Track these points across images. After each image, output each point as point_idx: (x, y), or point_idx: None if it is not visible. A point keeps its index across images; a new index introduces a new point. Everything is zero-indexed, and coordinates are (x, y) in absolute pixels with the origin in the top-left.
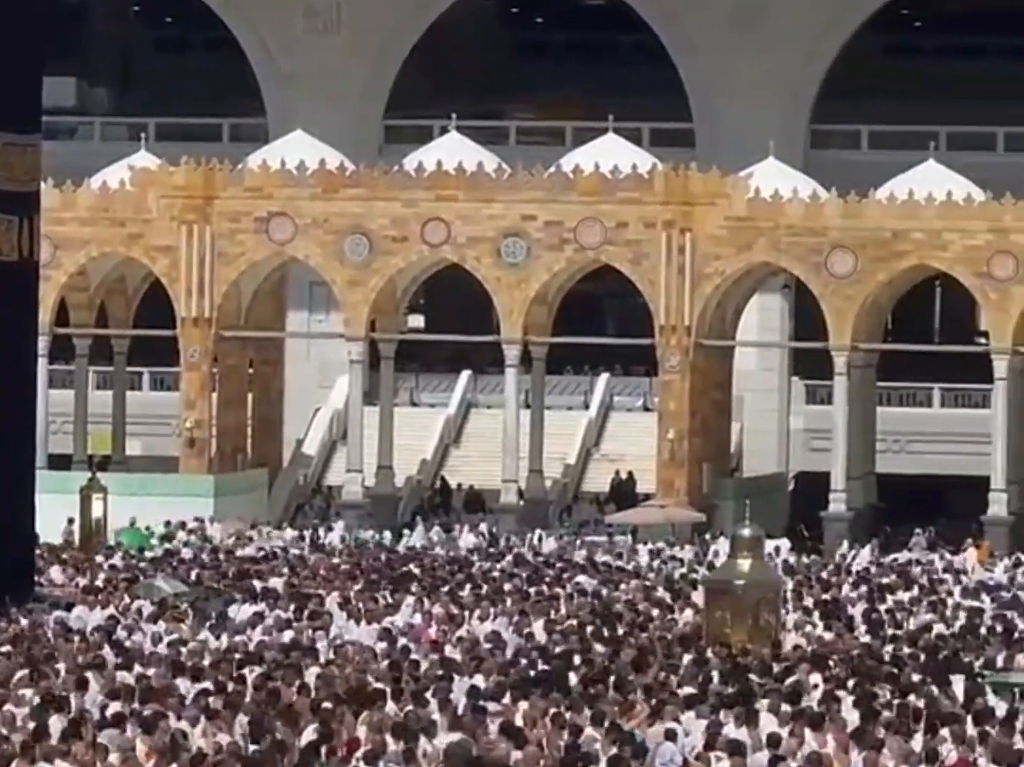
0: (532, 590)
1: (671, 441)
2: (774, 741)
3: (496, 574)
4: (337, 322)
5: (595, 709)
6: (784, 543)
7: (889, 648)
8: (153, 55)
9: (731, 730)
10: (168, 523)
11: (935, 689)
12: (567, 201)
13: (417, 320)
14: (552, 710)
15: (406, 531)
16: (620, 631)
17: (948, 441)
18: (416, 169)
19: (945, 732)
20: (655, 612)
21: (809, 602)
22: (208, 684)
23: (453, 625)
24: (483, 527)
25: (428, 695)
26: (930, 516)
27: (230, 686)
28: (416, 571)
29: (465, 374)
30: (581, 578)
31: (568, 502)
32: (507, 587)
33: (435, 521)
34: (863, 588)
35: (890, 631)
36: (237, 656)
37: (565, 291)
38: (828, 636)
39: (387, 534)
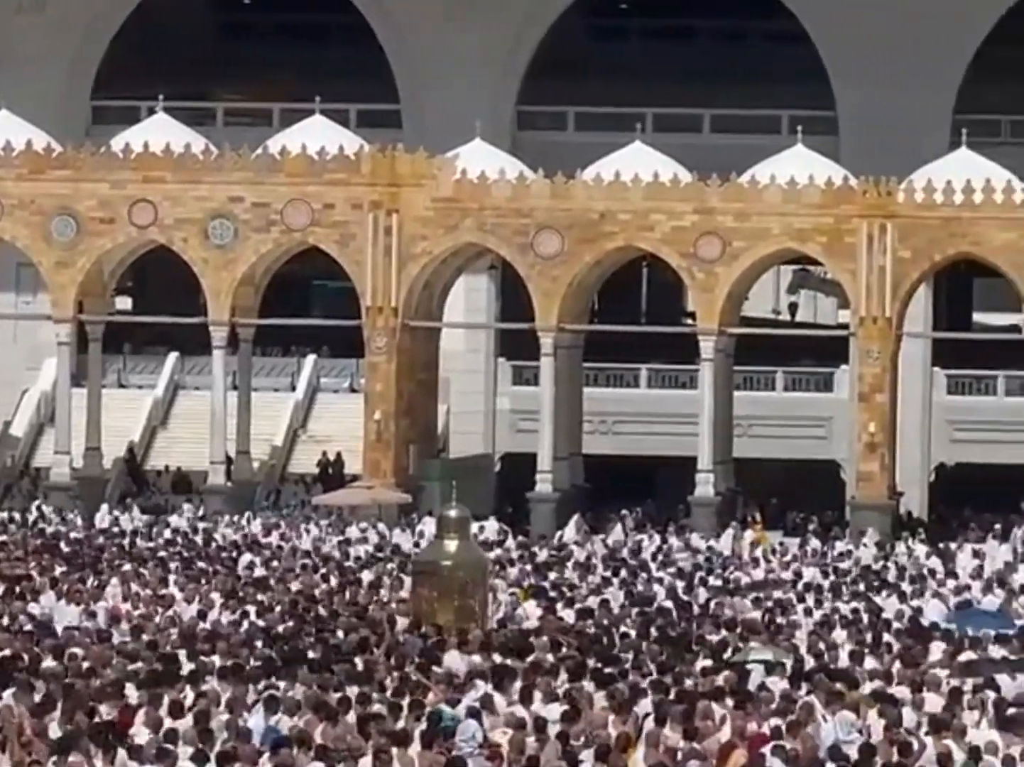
0: (242, 571)
1: (378, 422)
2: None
3: (204, 555)
4: (44, 303)
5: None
6: (491, 523)
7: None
8: None
9: (503, 706)
10: None
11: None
12: (274, 183)
13: (125, 302)
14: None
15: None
16: (341, 611)
17: (655, 422)
18: (123, 150)
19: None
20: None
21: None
22: None
23: (163, 605)
24: (187, 509)
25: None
26: (638, 496)
27: None
28: (123, 551)
29: (173, 356)
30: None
31: (275, 484)
32: (217, 568)
33: (141, 502)
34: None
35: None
36: None
37: (272, 272)
38: (556, 616)
39: (103, 514)
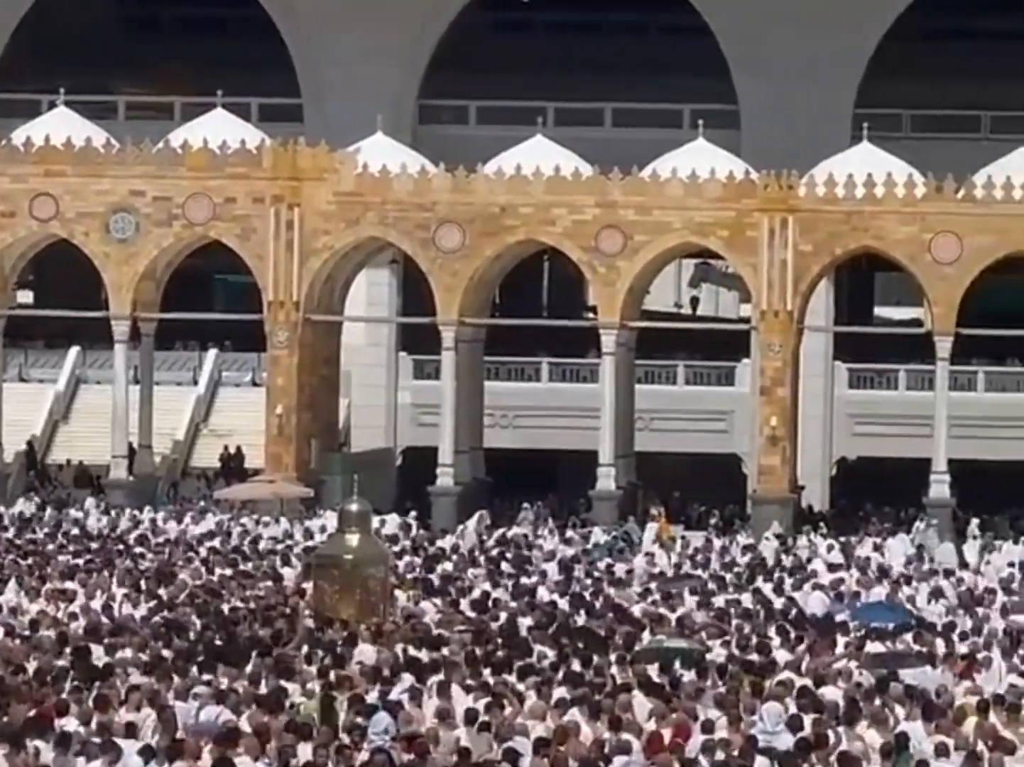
0: (144, 565)
1: (279, 416)
2: (471, 716)
3: (106, 548)
4: None
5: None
6: (392, 518)
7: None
8: None
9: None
10: None
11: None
12: (175, 177)
13: (26, 296)
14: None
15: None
16: (247, 605)
17: (556, 415)
18: (24, 144)
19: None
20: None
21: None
22: None
23: (64, 600)
24: (89, 503)
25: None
26: (539, 490)
27: None
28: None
29: (74, 350)
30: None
31: (176, 477)
32: (119, 562)
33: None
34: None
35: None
36: None
37: (174, 267)
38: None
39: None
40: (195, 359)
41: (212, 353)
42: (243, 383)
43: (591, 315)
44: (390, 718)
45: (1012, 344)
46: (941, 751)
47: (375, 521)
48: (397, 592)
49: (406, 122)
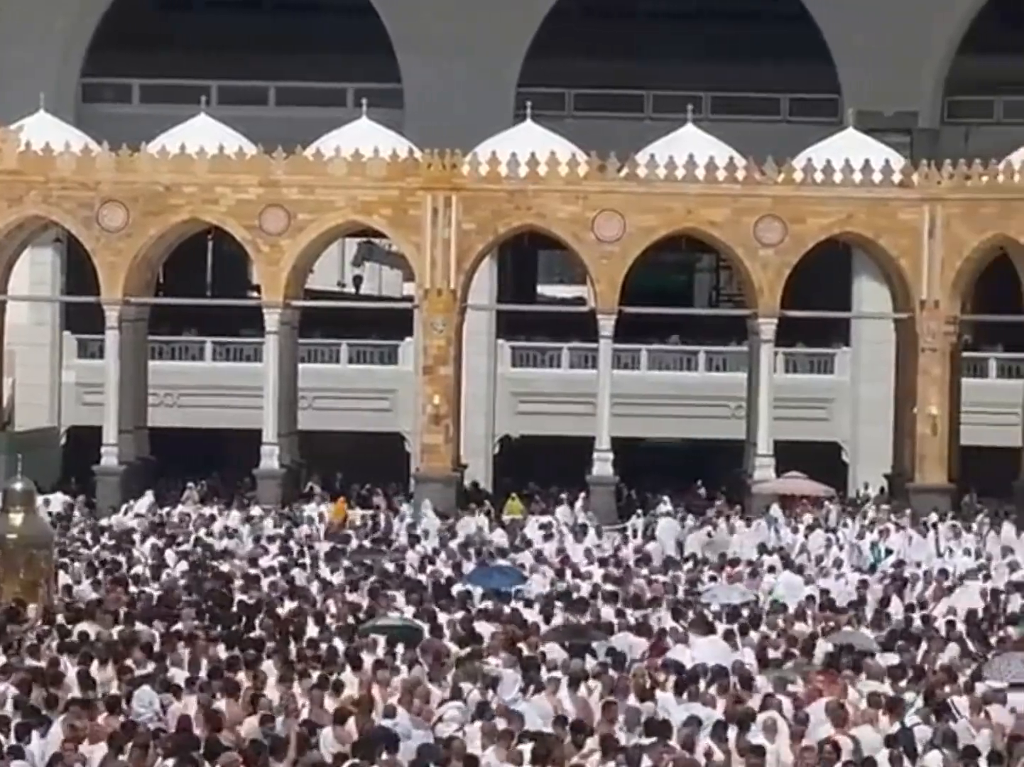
0: None
1: None
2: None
3: None
4: None
5: None
6: (57, 497)
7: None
8: None
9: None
10: None
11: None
12: None
13: None
14: None
15: None
16: None
17: (221, 394)
18: None
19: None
20: None
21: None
22: None
23: None
24: None
25: None
26: (204, 469)
27: None
28: None
29: None
30: None
31: None
32: None
33: None
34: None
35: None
36: None
37: None
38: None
39: None
40: None
41: None
42: None
43: (255, 294)
44: (152, 691)
45: (674, 322)
46: None
47: (40, 500)
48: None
49: (69, 101)
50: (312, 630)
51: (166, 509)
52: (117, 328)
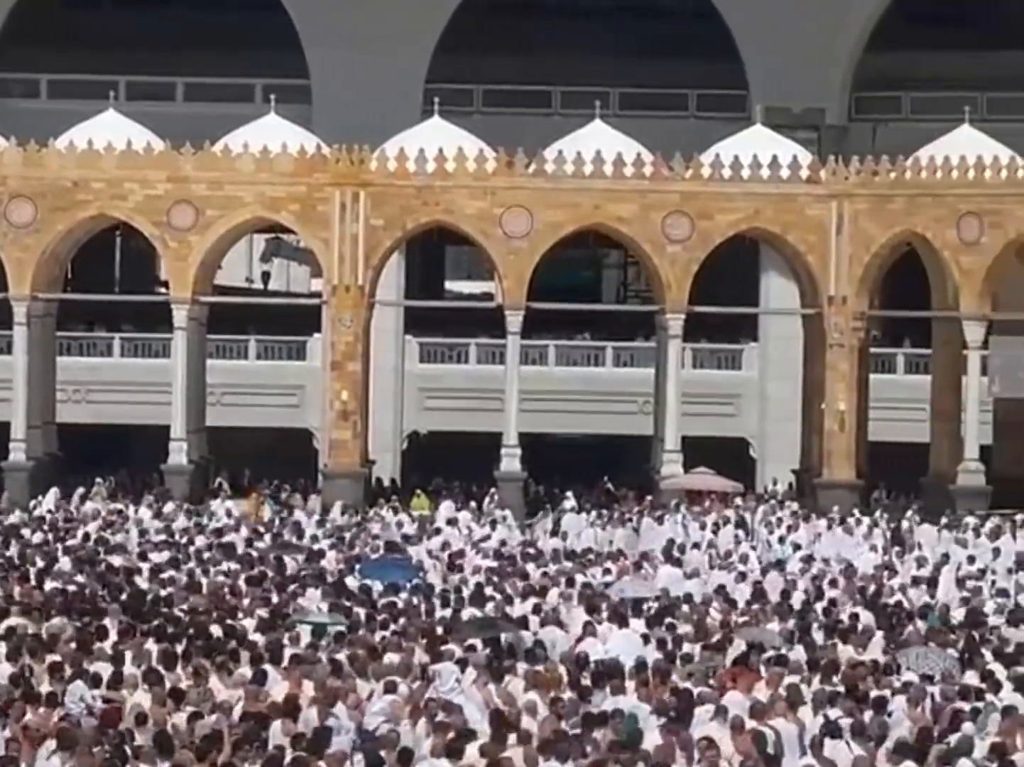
0: None
1: None
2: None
3: None
4: None
5: None
6: None
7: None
8: None
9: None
10: None
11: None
12: None
13: None
14: None
15: None
16: None
17: (129, 390)
18: None
19: None
20: None
21: None
22: None
23: None
24: None
25: None
26: (112, 465)
27: None
28: None
29: None
30: None
31: None
32: None
33: None
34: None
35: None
36: None
37: None
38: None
39: None
40: None
41: None
42: None
43: (163, 290)
44: (84, 686)
45: (582, 318)
46: None
47: None
48: None
49: None
50: (229, 626)
51: (74, 505)
52: (25, 324)
